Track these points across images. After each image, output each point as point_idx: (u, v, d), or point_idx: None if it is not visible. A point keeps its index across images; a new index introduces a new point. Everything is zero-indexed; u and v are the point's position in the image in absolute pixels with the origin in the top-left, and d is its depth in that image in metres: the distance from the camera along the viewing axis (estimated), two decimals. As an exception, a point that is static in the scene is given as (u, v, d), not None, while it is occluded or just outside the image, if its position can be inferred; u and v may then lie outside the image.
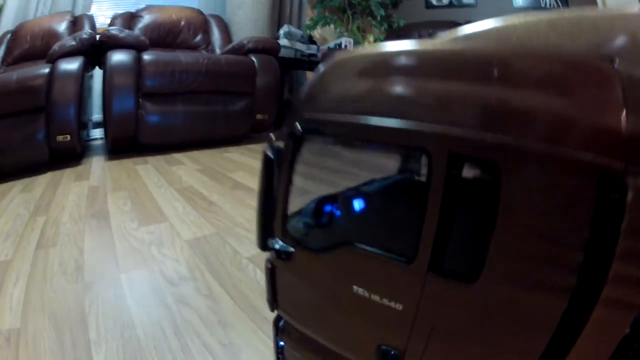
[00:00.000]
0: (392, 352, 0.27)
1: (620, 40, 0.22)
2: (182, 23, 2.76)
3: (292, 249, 0.32)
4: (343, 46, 3.34)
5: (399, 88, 0.26)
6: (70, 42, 1.89)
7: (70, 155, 1.89)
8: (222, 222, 1.10)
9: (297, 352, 0.36)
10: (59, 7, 2.54)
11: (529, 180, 0.21)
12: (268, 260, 0.36)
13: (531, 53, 0.23)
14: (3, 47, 2.24)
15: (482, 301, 0.23)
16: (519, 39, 0.24)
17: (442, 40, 0.27)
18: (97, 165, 1.84)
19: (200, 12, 2.92)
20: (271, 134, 0.35)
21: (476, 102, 0.22)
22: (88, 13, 2.55)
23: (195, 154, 2.07)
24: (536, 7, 3.04)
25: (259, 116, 2.40)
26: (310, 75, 2.78)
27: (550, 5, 2.96)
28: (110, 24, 2.54)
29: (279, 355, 0.38)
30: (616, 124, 0.19)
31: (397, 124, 0.25)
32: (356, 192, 0.34)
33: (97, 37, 2.02)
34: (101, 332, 0.61)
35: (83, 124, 2.05)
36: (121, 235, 0.99)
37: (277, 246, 0.33)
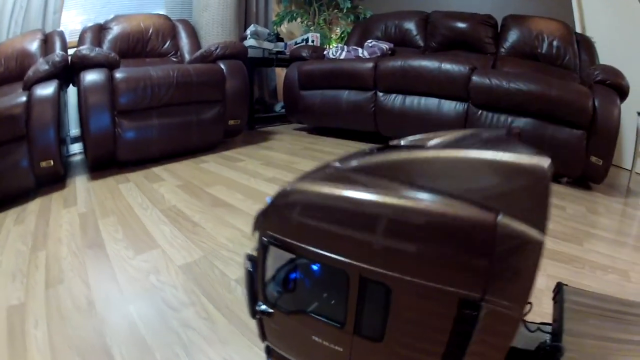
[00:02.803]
0: None
1: (510, 195, 0.34)
2: (150, 31, 2.86)
3: (271, 310, 0.50)
4: (310, 41, 3.46)
5: (335, 235, 0.40)
6: (43, 66, 1.97)
7: (55, 179, 2.00)
8: (207, 244, 1.27)
9: None
10: (30, 23, 2.61)
11: (409, 297, 0.37)
12: (257, 315, 0.54)
13: (416, 210, 0.35)
14: (-22, 73, 2.28)
15: (385, 352, 0.40)
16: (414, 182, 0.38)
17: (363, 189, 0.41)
18: (81, 187, 1.95)
19: (167, 18, 3.00)
20: (246, 252, 0.51)
21: (373, 247, 0.38)
22: (58, 29, 2.63)
23: (174, 166, 2.22)
24: None
25: (231, 122, 2.55)
26: (278, 72, 2.98)
27: None
28: (80, 38, 2.66)
29: None
30: (483, 267, 0.32)
31: (327, 253, 0.41)
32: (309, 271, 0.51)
33: (69, 57, 2.10)
34: (124, 361, 0.79)
35: (62, 140, 2.13)
36: (120, 266, 1.15)
37: (262, 308, 0.51)
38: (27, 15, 2.60)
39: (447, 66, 2.32)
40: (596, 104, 1.90)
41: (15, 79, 2.31)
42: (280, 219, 0.45)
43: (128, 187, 1.89)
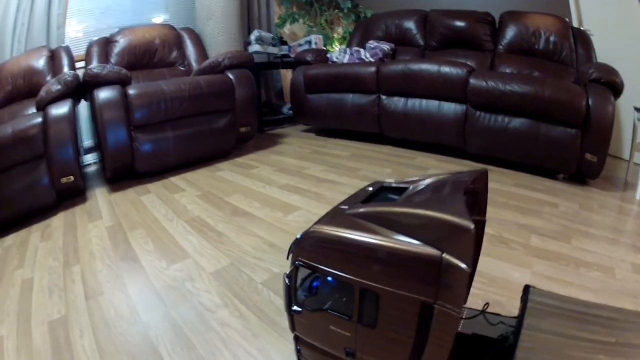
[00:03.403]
0: (349, 351, 0.62)
1: (449, 242, 0.52)
2: (157, 42, 2.96)
3: (300, 309, 0.66)
4: (313, 44, 3.57)
5: (343, 260, 0.59)
6: (55, 86, 2.07)
7: (75, 193, 2.14)
8: (233, 252, 1.40)
9: (307, 351, 0.71)
10: (33, 40, 2.68)
11: (391, 300, 0.54)
12: (289, 313, 0.69)
13: (395, 248, 0.53)
14: (-14, 92, 2.38)
15: (378, 335, 0.57)
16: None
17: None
18: (102, 200, 2.09)
19: (172, 28, 3.10)
20: (285, 273, 0.67)
21: (369, 270, 0.56)
22: (63, 45, 2.71)
23: (190, 175, 2.36)
24: None
25: (242, 129, 2.68)
26: (284, 73, 3.14)
27: None
28: (87, 52, 2.75)
29: (298, 354, 0.74)
30: (434, 283, 0.50)
31: (339, 272, 0.59)
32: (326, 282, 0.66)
33: (80, 75, 2.22)
34: (174, 357, 0.91)
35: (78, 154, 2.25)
36: (156, 276, 1.28)
37: (294, 309, 0.67)
38: (30, 33, 2.67)
39: (445, 69, 2.43)
40: (590, 102, 1.98)
41: (24, 96, 2.42)
42: (306, 249, 0.64)
43: (150, 198, 2.03)
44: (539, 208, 1.75)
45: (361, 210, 0.63)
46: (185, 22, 3.45)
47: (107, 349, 0.97)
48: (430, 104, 2.56)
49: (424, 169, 2.33)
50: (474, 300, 1.05)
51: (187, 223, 1.68)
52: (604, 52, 2.63)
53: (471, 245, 0.52)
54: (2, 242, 1.69)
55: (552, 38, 2.74)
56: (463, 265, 0.49)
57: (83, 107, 2.68)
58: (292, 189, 2.04)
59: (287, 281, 0.67)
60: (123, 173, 2.32)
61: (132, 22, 3.18)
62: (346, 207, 0.68)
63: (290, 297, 0.68)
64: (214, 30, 3.15)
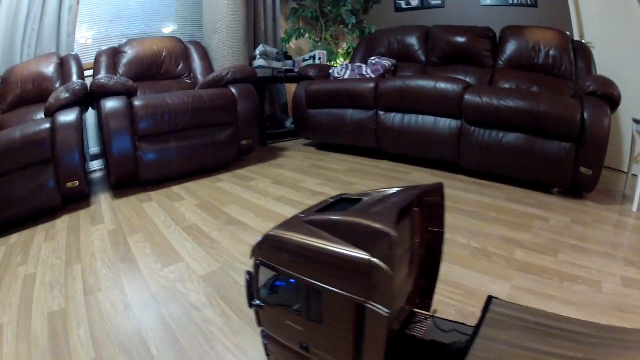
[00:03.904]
0: (304, 345, 0.69)
1: (376, 247, 0.58)
2: (164, 54, 3.08)
3: (263, 304, 0.75)
4: (317, 59, 3.69)
5: (293, 261, 0.67)
6: (64, 94, 2.20)
7: (80, 198, 2.25)
8: (224, 257, 1.50)
9: (272, 345, 0.79)
10: (43, 47, 2.81)
11: (332, 299, 0.62)
12: (255, 307, 0.77)
13: (334, 252, 0.61)
14: (-5, 94, 2.51)
15: (324, 330, 0.64)
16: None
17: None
18: (106, 206, 2.20)
19: (179, 41, 3.23)
20: (246, 271, 0.76)
21: (313, 270, 0.64)
22: (73, 53, 2.84)
23: (191, 185, 2.46)
24: (502, 5, 3.35)
25: (243, 142, 2.79)
26: (289, 88, 3.27)
27: (518, 2, 3.26)
28: (96, 62, 2.87)
29: (265, 348, 0.82)
30: (364, 284, 0.58)
31: (291, 272, 0.68)
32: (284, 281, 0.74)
33: (89, 83, 2.35)
34: (160, 350, 1.00)
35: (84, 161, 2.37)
36: (151, 276, 1.37)
37: (256, 303, 0.76)
38: (40, 39, 2.79)
39: (442, 85, 2.51)
40: (585, 116, 2.01)
41: (33, 101, 2.54)
42: (264, 250, 0.74)
43: (152, 206, 2.13)
44: (529, 222, 1.78)
45: (312, 217, 0.71)
46: (193, 33, 3.60)
47: (101, 339, 1.06)
48: (427, 120, 2.63)
49: (417, 184, 2.38)
50: (448, 310, 1.11)
51: (184, 230, 1.78)
52: (605, 64, 2.66)
53: (393, 249, 0.58)
54: (7, 240, 1.81)
55: (551, 52, 2.78)
56: (386, 267, 0.56)
57: (90, 114, 2.80)
58: (287, 201, 2.13)
59: (248, 277, 0.77)
60: (127, 181, 2.43)
61: (141, 31, 3.34)
62: (303, 215, 0.75)
63: (252, 292, 0.77)
64: (220, 43, 3.27)
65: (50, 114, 2.16)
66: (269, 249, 0.73)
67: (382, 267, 0.56)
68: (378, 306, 0.57)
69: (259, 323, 0.80)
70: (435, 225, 0.90)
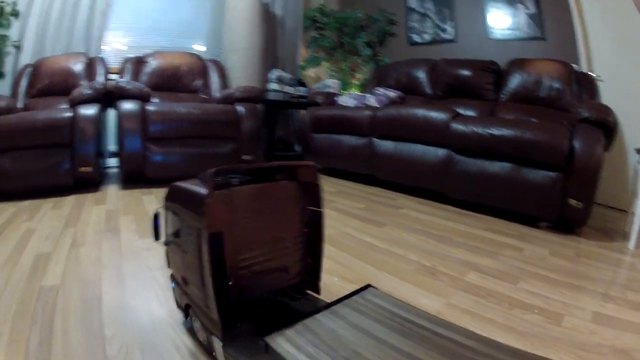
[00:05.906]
0: (185, 277, 0.91)
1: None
2: (183, 69, 3.40)
3: (165, 243, 0.98)
4: (330, 88, 3.95)
5: (178, 202, 0.91)
6: (87, 90, 2.59)
7: (91, 183, 2.56)
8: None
9: (177, 287, 1.00)
10: (72, 44, 3.16)
11: (187, 227, 0.87)
12: (165, 246, 0.99)
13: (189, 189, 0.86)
14: (26, 79, 2.91)
15: (189, 260, 0.84)
16: None
17: None
18: (112, 194, 2.53)
19: (199, 58, 3.54)
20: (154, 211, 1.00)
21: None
22: (100, 56, 3.21)
23: (191, 186, 2.75)
24: (512, 39, 3.46)
25: (245, 157, 3.02)
26: (302, 114, 3.51)
27: (526, 36, 3.36)
28: (122, 68, 3.22)
29: (173, 291, 1.03)
30: (201, 213, 0.80)
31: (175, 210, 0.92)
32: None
33: (109, 84, 2.73)
34: (110, 286, 1.24)
35: (101, 153, 2.72)
36: (126, 244, 1.64)
37: (159, 240, 0.99)
38: (70, 38, 3.14)
39: (431, 114, 2.65)
40: (576, 144, 1.94)
41: (59, 92, 2.86)
42: (167, 197, 0.96)
43: (150, 198, 2.42)
44: (498, 250, 1.71)
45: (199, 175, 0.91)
46: (216, 52, 3.89)
47: (69, 274, 1.33)
48: (417, 149, 2.71)
49: (399, 209, 2.43)
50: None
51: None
52: (614, 98, 2.58)
53: (203, 206, 0.77)
54: (19, 204, 2.17)
55: (554, 84, 2.80)
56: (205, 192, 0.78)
57: (114, 116, 3.10)
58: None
59: (154, 218, 1.00)
60: (135, 176, 2.72)
61: (169, 43, 3.71)
62: (200, 176, 0.92)
63: (157, 231, 0.99)
64: (236, 63, 3.59)
65: (73, 105, 2.52)
66: (170, 197, 0.96)
67: (205, 195, 0.78)
68: (206, 229, 0.76)
69: (168, 264, 1.01)
70: (314, 204, 0.99)
